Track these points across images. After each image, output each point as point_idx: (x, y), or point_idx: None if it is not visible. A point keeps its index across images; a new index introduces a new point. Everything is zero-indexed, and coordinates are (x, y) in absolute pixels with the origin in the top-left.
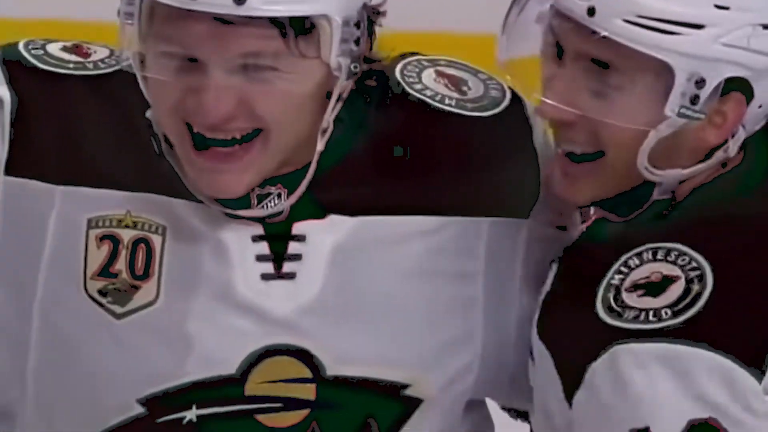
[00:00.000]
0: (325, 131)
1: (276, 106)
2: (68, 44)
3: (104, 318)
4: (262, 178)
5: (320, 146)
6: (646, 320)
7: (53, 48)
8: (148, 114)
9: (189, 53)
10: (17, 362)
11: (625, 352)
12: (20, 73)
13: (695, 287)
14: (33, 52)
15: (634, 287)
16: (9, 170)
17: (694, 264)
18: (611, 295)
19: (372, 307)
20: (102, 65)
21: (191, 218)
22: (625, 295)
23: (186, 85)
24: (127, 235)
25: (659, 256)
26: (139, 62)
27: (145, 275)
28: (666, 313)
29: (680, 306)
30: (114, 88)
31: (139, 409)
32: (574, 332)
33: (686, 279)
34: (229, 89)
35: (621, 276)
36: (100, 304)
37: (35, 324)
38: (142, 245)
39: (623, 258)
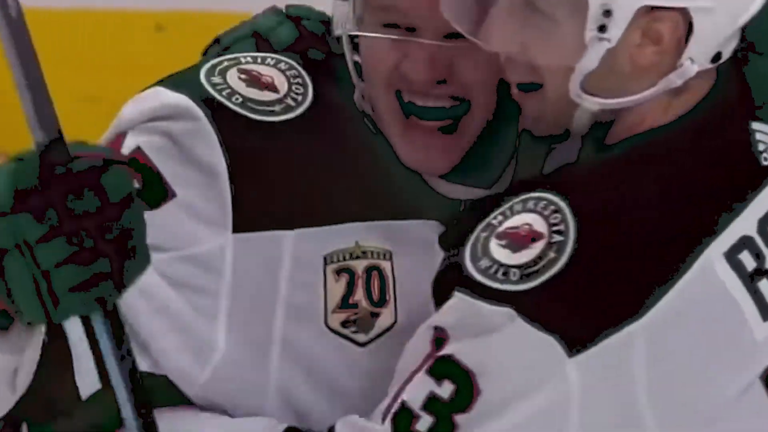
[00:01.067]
0: None
1: (481, 75)
2: (243, 75)
3: (348, 348)
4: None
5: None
6: (494, 276)
7: (238, 84)
8: (355, 97)
9: (407, 21)
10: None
11: (458, 300)
12: (230, 129)
13: (551, 254)
14: (225, 93)
15: (504, 235)
16: (233, 228)
17: (561, 226)
18: (483, 236)
19: None
20: (298, 98)
21: (414, 239)
22: (493, 241)
23: (401, 52)
24: (360, 266)
25: (539, 207)
26: (351, 43)
27: (383, 301)
28: (514, 275)
29: (529, 271)
30: (318, 121)
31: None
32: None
33: (548, 241)
34: (441, 51)
35: (502, 218)
36: (344, 336)
37: (274, 365)
38: (375, 272)
39: (512, 200)
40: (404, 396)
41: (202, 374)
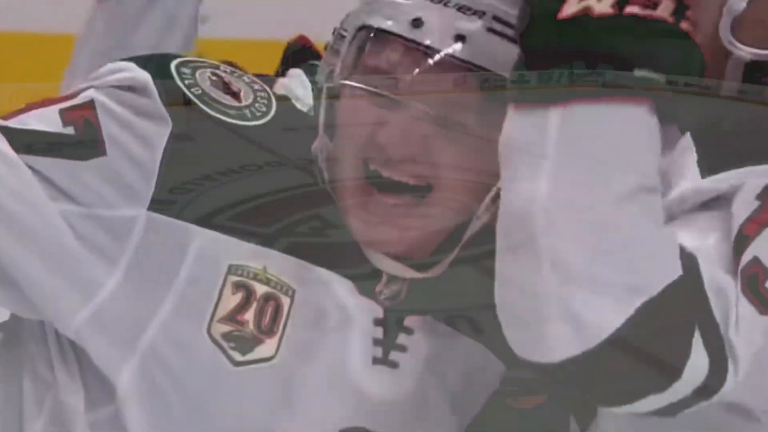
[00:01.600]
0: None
1: (452, 160)
2: (214, 77)
3: (221, 361)
4: (416, 249)
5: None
6: None
7: (203, 81)
8: (313, 147)
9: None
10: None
11: None
12: (179, 114)
13: None
14: (187, 82)
15: None
16: (150, 206)
17: None
18: None
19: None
20: (257, 113)
21: (321, 289)
22: None
23: (381, 117)
24: (260, 289)
25: None
26: (327, 96)
27: (270, 331)
28: None
29: None
30: (267, 139)
31: None
32: None
33: None
34: (420, 125)
35: None
36: (221, 348)
37: (141, 347)
38: (272, 302)
39: None
40: (755, 253)
41: (79, 312)
